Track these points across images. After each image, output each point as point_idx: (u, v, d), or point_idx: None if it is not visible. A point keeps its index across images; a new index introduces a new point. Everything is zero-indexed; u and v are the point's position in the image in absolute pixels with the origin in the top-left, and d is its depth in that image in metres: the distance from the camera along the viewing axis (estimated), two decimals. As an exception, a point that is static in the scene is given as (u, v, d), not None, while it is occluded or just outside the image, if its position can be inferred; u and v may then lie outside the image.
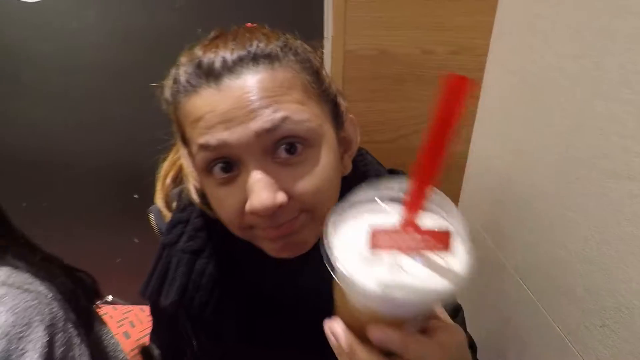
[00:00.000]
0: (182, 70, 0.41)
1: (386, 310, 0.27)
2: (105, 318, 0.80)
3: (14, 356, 0.50)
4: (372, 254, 0.26)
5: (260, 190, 0.37)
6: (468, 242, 0.28)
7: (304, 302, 0.50)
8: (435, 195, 0.28)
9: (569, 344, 0.66)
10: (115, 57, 1.11)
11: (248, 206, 0.38)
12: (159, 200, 0.55)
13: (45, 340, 0.53)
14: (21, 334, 0.51)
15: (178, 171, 0.55)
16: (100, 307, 0.69)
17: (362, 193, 0.31)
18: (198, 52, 0.41)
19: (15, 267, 0.57)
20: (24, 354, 0.51)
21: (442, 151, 0.25)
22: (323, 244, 0.29)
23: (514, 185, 0.87)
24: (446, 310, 0.40)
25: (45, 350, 0.52)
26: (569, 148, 0.67)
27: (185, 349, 0.57)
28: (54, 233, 0.83)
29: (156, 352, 0.61)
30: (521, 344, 0.82)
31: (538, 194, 0.77)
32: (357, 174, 0.50)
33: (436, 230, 0.26)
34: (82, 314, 0.63)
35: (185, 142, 0.44)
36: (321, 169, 0.41)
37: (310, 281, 0.47)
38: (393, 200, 0.30)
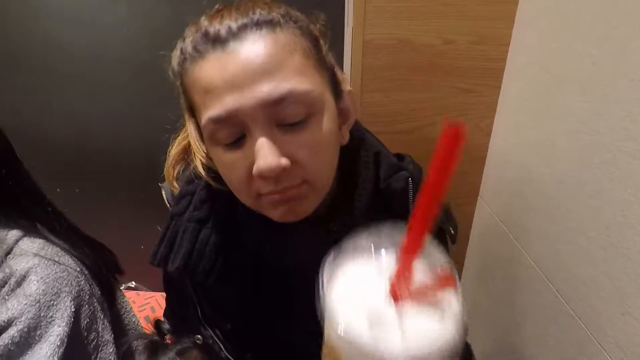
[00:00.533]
0: (189, 41, 0.44)
1: None
2: (130, 301, 0.83)
3: (43, 323, 0.53)
4: (388, 305, 0.25)
5: (266, 154, 0.40)
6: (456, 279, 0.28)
7: (305, 270, 0.51)
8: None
9: (589, 333, 0.65)
10: (145, 50, 1.16)
11: (255, 169, 0.41)
12: (169, 176, 0.58)
13: (72, 311, 0.56)
14: (51, 303, 0.54)
15: (186, 148, 0.57)
16: (120, 282, 0.72)
17: (353, 241, 0.31)
18: (204, 22, 0.44)
19: (48, 240, 0.61)
20: (52, 321, 0.54)
21: (440, 198, 0.25)
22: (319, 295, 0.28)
23: (535, 175, 0.86)
24: None
25: (71, 320, 0.55)
26: (593, 134, 0.65)
27: (195, 321, 0.58)
28: (83, 219, 0.87)
29: (166, 326, 0.63)
30: (540, 334, 0.81)
31: (559, 183, 0.76)
32: (354, 145, 0.52)
33: (440, 272, 0.27)
34: (105, 287, 0.66)
35: (193, 111, 0.46)
36: (322, 136, 0.44)
37: (312, 249, 0.48)
38: (385, 246, 0.30)
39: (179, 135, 0.60)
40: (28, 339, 0.52)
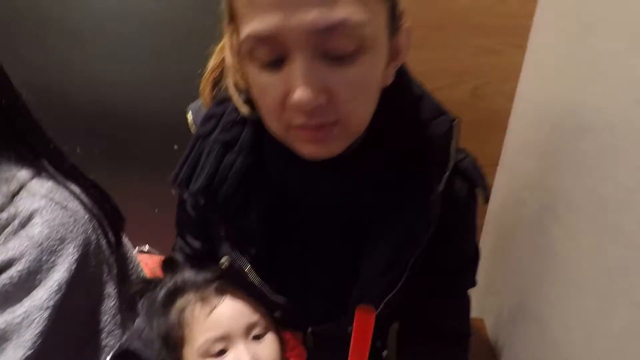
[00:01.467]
0: None
1: None
2: (142, 263, 0.82)
3: (44, 267, 0.52)
4: None
5: (305, 85, 0.37)
6: None
7: (328, 208, 0.51)
8: None
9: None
10: (171, 13, 1.13)
11: (291, 99, 0.38)
12: (204, 91, 0.56)
13: (75, 258, 0.54)
14: (54, 248, 0.53)
15: (221, 65, 0.55)
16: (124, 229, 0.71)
17: None
18: None
19: (58, 183, 0.59)
20: (53, 267, 0.53)
21: None
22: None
23: (565, 134, 0.81)
24: None
25: (73, 267, 0.54)
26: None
27: (219, 243, 0.57)
28: (98, 181, 0.87)
29: (180, 258, 0.61)
30: (569, 296, 0.77)
31: (590, 136, 0.71)
32: (397, 88, 0.48)
33: None
34: (111, 237, 0.66)
35: (233, 20, 0.42)
36: (367, 76, 0.40)
37: (337, 188, 0.48)
38: None
39: (215, 50, 0.56)
40: (27, 282, 0.51)
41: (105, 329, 0.61)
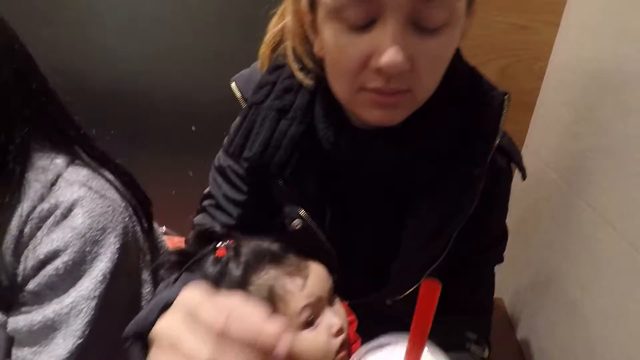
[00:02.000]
0: None
1: None
2: None
3: (88, 258, 0.52)
4: None
5: (397, 49, 0.37)
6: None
7: (380, 174, 0.51)
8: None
9: None
10: None
11: (378, 60, 0.38)
12: (264, 55, 0.55)
13: (117, 248, 0.54)
14: (96, 238, 0.53)
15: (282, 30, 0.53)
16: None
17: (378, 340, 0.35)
18: None
19: (94, 170, 0.58)
20: (97, 257, 0.53)
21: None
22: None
23: (596, 113, 0.79)
24: None
25: (116, 257, 0.54)
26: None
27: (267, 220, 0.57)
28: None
29: (219, 229, 0.58)
30: (591, 278, 0.77)
31: (625, 116, 0.69)
32: (453, 63, 0.48)
33: None
34: (144, 223, 0.65)
35: None
36: (447, 50, 0.41)
37: (389, 157, 0.48)
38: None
39: (277, 11, 0.55)
40: (72, 273, 0.51)
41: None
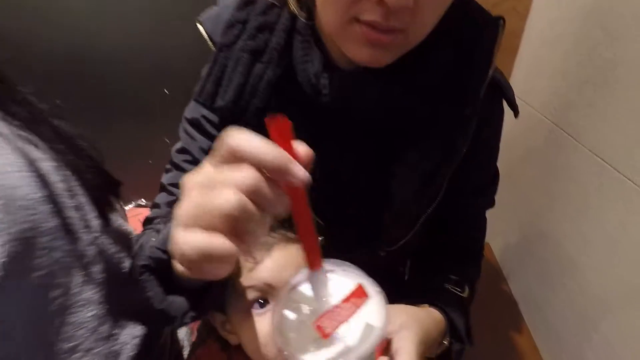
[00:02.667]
0: None
1: None
2: (136, 219, 0.66)
3: None
4: (322, 338, 0.28)
5: None
6: (367, 276, 0.32)
7: (367, 120, 0.48)
8: (330, 265, 0.31)
9: None
10: None
11: None
12: None
13: (3, 261, 0.35)
14: None
15: None
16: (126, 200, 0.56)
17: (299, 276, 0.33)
18: None
19: (9, 143, 0.40)
20: None
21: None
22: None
23: (584, 48, 0.77)
24: None
25: (6, 269, 0.35)
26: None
27: None
28: (84, 131, 0.79)
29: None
30: (579, 212, 0.79)
31: (613, 48, 0.68)
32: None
33: (352, 289, 0.30)
34: (95, 214, 0.47)
35: None
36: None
37: (377, 93, 0.44)
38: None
39: None
40: None
41: (81, 347, 0.44)
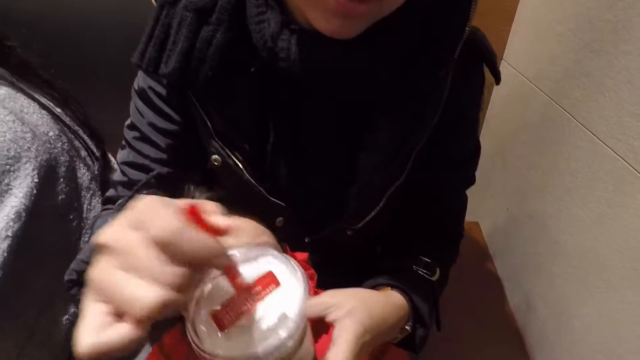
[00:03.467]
0: None
1: None
2: None
3: None
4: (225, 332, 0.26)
5: None
6: (289, 263, 0.29)
7: (331, 86, 0.43)
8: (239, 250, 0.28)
9: (633, 169, 0.58)
10: None
11: None
12: None
13: (35, 182, 0.45)
14: (6, 167, 0.44)
15: None
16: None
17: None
18: None
19: (16, 88, 0.48)
20: (8, 190, 0.44)
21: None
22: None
23: (584, 19, 0.71)
24: None
25: (33, 193, 0.45)
26: None
27: (206, 141, 0.48)
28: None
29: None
30: (569, 189, 0.74)
31: (613, 11, 0.61)
32: None
33: (260, 276, 0.27)
34: (93, 154, 0.56)
35: None
36: None
37: (342, 56, 0.39)
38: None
39: None
40: None
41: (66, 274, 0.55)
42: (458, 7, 0.41)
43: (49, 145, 0.48)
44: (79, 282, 0.37)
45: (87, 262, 0.35)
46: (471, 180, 0.58)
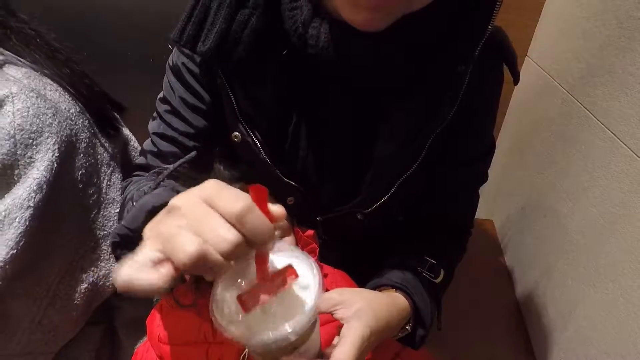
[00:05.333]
0: None
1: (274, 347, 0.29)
2: None
3: (21, 162, 0.45)
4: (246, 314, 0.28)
5: None
6: (308, 261, 0.31)
7: (354, 75, 0.45)
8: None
9: None
10: None
11: None
12: None
13: (56, 156, 0.47)
14: (29, 141, 0.46)
15: None
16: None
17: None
18: None
19: (39, 66, 0.50)
20: (31, 163, 0.46)
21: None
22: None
23: (612, 15, 0.69)
24: None
25: (54, 167, 0.47)
26: None
27: (230, 118, 0.50)
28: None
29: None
30: (587, 188, 0.73)
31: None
32: None
33: (283, 269, 0.29)
34: (109, 130, 0.58)
35: None
36: None
37: (366, 49, 0.41)
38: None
39: None
40: (4, 177, 0.45)
41: (110, 236, 0.56)
42: (483, 6, 0.41)
43: (70, 122, 0.50)
44: (121, 244, 0.39)
45: (128, 228, 0.38)
46: (484, 178, 0.58)
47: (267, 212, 0.26)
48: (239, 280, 0.30)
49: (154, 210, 0.36)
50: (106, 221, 0.56)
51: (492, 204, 1.15)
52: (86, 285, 0.54)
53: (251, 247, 0.26)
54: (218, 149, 0.51)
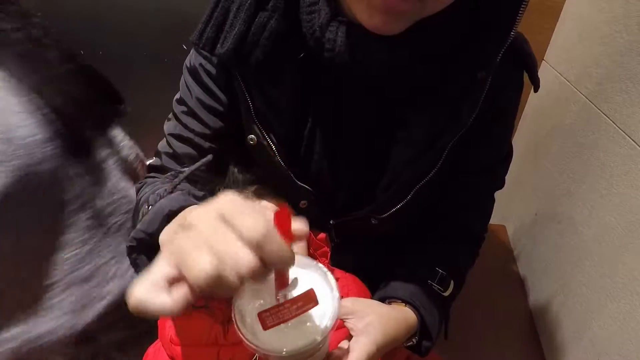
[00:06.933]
0: None
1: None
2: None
3: None
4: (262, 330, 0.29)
5: None
6: (328, 281, 0.32)
7: (371, 80, 0.45)
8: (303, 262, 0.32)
9: None
10: None
11: None
12: None
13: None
14: None
15: None
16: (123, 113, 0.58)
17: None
18: None
19: (18, 87, 0.43)
20: None
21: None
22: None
23: (627, 7, 0.67)
24: None
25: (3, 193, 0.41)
26: None
27: (247, 120, 0.50)
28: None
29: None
30: (609, 191, 0.72)
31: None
32: None
33: (302, 294, 0.29)
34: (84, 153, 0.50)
35: None
36: None
37: (383, 54, 0.40)
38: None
39: None
40: None
41: (64, 281, 0.49)
42: (505, 13, 0.41)
43: (30, 150, 0.43)
44: (137, 249, 0.39)
45: (145, 232, 0.38)
46: (500, 184, 0.58)
47: (289, 234, 0.26)
48: (258, 293, 0.31)
49: (170, 214, 0.37)
50: (59, 265, 0.49)
51: (504, 210, 1.14)
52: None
53: (269, 269, 0.26)
54: (233, 152, 0.51)
